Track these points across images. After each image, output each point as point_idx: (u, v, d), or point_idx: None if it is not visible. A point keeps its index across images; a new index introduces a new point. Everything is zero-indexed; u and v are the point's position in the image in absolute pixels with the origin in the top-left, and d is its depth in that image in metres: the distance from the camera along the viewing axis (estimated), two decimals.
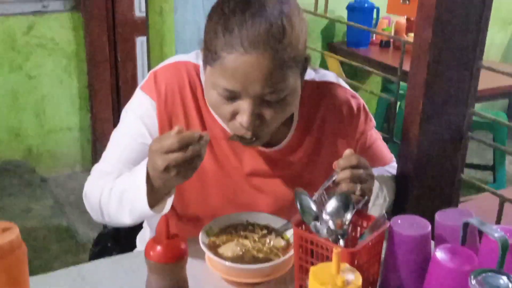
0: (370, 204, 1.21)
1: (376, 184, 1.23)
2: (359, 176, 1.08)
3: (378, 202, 1.25)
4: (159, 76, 1.21)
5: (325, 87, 1.29)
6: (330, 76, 1.32)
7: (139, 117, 1.21)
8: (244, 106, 1.08)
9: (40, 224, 2.71)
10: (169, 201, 1.10)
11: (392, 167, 1.41)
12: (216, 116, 1.22)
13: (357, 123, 1.30)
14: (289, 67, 1.08)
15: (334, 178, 1.09)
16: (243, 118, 1.08)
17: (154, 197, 1.08)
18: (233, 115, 1.11)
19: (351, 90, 1.34)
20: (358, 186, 1.08)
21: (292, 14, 1.08)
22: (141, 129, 1.21)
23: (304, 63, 1.14)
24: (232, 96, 1.08)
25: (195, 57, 1.25)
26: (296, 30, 1.08)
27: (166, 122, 1.20)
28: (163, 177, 1.02)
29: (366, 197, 1.10)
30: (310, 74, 1.28)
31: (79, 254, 2.51)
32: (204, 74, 1.16)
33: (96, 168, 1.27)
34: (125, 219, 1.15)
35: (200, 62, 1.22)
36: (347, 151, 1.11)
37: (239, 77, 1.05)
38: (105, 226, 1.68)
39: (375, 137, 1.37)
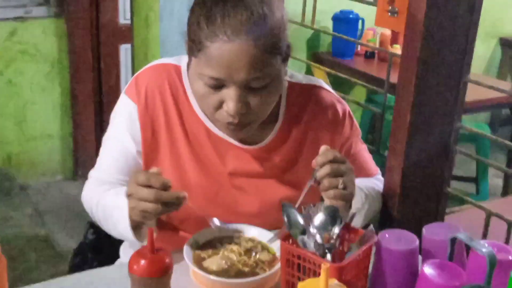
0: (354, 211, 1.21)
1: (360, 194, 1.23)
2: (339, 170, 1.10)
3: (361, 212, 1.24)
4: (140, 79, 1.24)
5: (311, 90, 1.31)
6: (317, 80, 1.35)
7: (123, 122, 1.24)
8: (230, 93, 1.10)
9: (18, 233, 2.67)
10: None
11: (377, 179, 1.41)
12: (199, 114, 1.24)
13: (342, 128, 1.32)
14: (272, 53, 1.11)
15: (315, 177, 1.11)
16: (229, 106, 1.11)
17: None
18: (220, 104, 1.13)
19: (338, 96, 1.35)
20: (340, 180, 1.10)
21: (272, 2, 1.12)
22: (125, 135, 1.24)
23: (286, 50, 1.16)
24: (218, 85, 1.11)
25: (177, 59, 1.28)
26: (277, 18, 1.11)
27: (148, 123, 1.23)
28: (133, 214, 1.08)
29: (354, 211, 1.09)
30: (297, 77, 1.31)
31: (58, 264, 2.46)
32: (188, 69, 1.19)
33: (92, 175, 1.30)
34: (112, 233, 1.20)
35: (182, 64, 1.26)
36: (323, 147, 1.13)
37: (224, 65, 1.08)
38: (85, 237, 1.65)
39: (361, 147, 1.38)
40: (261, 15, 1.09)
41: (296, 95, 1.29)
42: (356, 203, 1.21)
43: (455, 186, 3.21)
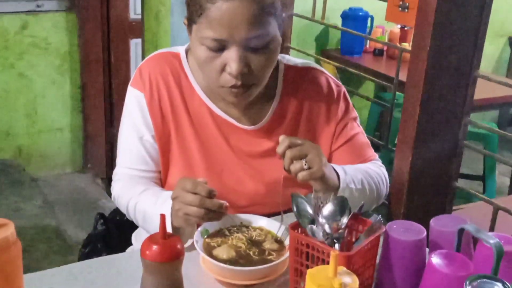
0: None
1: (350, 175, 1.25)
2: (300, 152, 1.13)
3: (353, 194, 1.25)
4: (143, 69, 1.30)
5: (307, 71, 1.35)
6: (313, 63, 1.39)
7: (134, 112, 1.29)
8: (231, 54, 1.14)
9: (29, 224, 2.69)
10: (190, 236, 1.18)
11: (374, 164, 1.39)
12: (201, 96, 1.28)
13: (336, 107, 1.35)
14: (270, 13, 1.15)
15: (284, 167, 1.14)
16: (232, 66, 1.14)
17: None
18: (222, 67, 1.17)
19: (334, 78, 1.38)
20: (303, 161, 1.13)
21: None
22: (139, 124, 1.28)
23: (282, 17, 1.21)
24: (220, 47, 1.15)
25: (174, 48, 1.34)
26: None
27: (156, 109, 1.28)
28: (175, 218, 1.13)
29: (362, 202, 1.11)
30: (294, 61, 1.36)
31: (67, 255, 2.49)
32: (190, 40, 1.22)
33: (118, 172, 1.34)
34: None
35: (180, 51, 1.31)
36: (280, 138, 1.16)
37: (224, 24, 1.12)
38: (95, 227, 1.67)
39: (357, 130, 1.39)
40: None
41: (292, 75, 1.34)
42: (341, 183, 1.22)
43: (462, 184, 3.22)
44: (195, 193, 1.09)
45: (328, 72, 1.38)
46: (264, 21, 1.14)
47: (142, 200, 1.25)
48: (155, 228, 1.15)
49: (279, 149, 1.14)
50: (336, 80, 1.38)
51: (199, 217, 1.10)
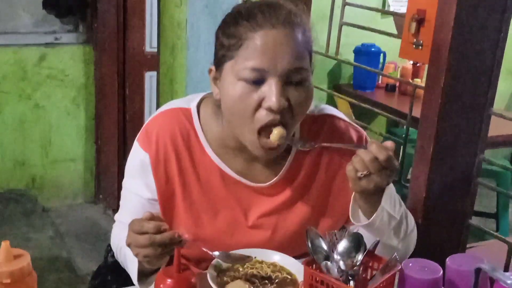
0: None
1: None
2: (374, 168, 1.06)
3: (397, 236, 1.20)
4: (150, 127, 1.24)
5: (324, 120, 1.29)
6: (329, 109, 1.33)
7: (136, 172, 1.25)
8: (272, 87, 1.09)
9: (39, 254, 2.69)
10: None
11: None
12: (211, 156, 1.23)
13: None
14: (307, 48, 1.15)
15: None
16: (272, 99, 1.09)
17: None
18: (259, 103, 1.11)
19: (353, 124, 1.33)
20: (365, 172, 1.06)
21: (302, 10, 1.17)
22: (139, 185, 1.25)
23: (312, 58, 1.19)
24: (259, 78, 1.10)
25: (185, 101, 1.27)
26: (308, 21, 1.17)
27: (161, 171, 1.23)
28: (146, 262, 1.08)
29: (378, 239, 1.10)
30: (310, 108, 1.26)
31: (77, 286, 2.48)
32: (217, 87, 1.18)
33: (117, 218, 1.34)
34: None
35: (191, 106, 1.25)
36: (389, 143, 1.09)
37: (267, 52, 1.09)
38: (105, 259, 1.66)
39: None
40: (298, 12, 1.15)
41: (309, 125, 1.27)
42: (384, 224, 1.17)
43: (475, 222, 3.19)
44: (145, 233, 1.03)
45: (346, 117, 1.33)
46: (304, 55, 1.13)
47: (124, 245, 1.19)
48: (131, 270, 1.17)
49: (382, 156, 1.05)
50: (356, 125, 1.33)
51: (156, 256, 1.03)
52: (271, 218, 1.26)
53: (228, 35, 1.13)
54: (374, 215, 1.14)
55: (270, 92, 1.09)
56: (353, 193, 1.17)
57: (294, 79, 1.11)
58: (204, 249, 1.10)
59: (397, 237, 1.21)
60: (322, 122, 1.29)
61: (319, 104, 1.35)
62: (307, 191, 1.28)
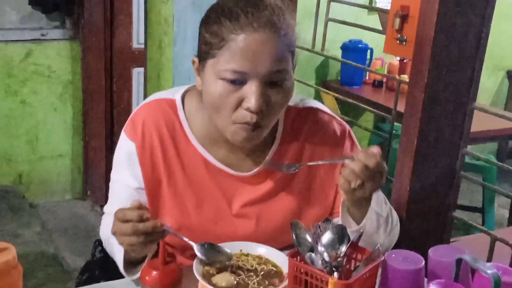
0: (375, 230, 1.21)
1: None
2: (366, 176, 1.08)
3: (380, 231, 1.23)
4: (136, 117, 1.26)
5: (308, 112, 1.31)
6: (314, 102, 1.34)
7: (123, 162, 1.27)
8: (252, 88, 1.11)
9: (27, 250, 2.68)
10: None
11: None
12: (195, 145, 1.25)
13: (341, 147, 1.30)
14: (289, 50, 1.15)
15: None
16: (251, 101, 1.11)
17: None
18: (239, 102, 1.13)
19: (337, 117, 1.34)
20: (359, 182, 1.09)
21: (286, 7, 1.17)
22: (126, 174, 1.27)
23: (295, 56, 1.19)
24: (240, 80, 1.11)
25: (171, 92, 1.29)
26: (291, 20, 1.17)
27: (147, 160, 1.25)
28: (131, 251, 1.09)
29: (361, 231, 1.11)
30: (294, 100, 1.31)
31: (65, 282, 2.48)
32: (199, 78, 1.19)
33: (105, 210, 1.34)
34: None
35: (176, 97, 1.27)
36: (375, 149, 1.11)
37: (249, 56, 1.10)
38: (93, 255, 1.66)
39: None
40: (281, 12, 1.14)
41: (293, 117, 1.30)
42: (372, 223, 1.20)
43: (461, 216, 3.22)
44: (128, 221, 1.05)
45: (330, 111, 1.34)
46: (285, 57, 1.13)
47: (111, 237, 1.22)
48: (118, 260, 1.19)
49: (371, 163, 1.08)
50: (340, 119, 1.34)
51: (141, 244, 1.05)
52: (254, 207, 1.27)
53: (211, 33, 1.13)
54: (365, 219, 1.17)
55: (250, 93, 1.11)
56: (342, 203, 1.21)
57: (274, 80, 1.13)
58: (185, 239, 1.11)
59: (384, 233, 1.23)
60: (306, 115, 1.30)
61: (304, 98, 1.36)
62: (290, 182, 1.29)
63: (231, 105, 1.13)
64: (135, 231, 1.03)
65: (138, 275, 1.14)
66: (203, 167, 1.25)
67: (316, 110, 1.32)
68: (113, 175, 1.32)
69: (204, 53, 1.16)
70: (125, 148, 1.26)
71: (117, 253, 1.17)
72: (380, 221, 1.21)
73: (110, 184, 1.34)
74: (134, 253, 1.11)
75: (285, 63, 1.13)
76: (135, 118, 1.26)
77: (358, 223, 1.20)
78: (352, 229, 1.18)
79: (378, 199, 1.20)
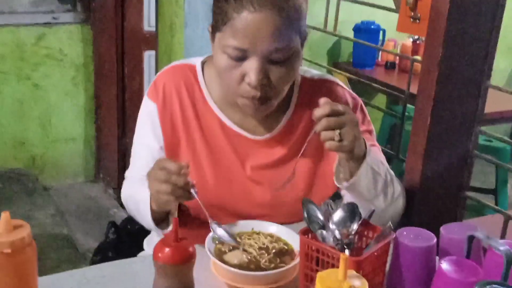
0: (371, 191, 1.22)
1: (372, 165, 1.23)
2: (337, 122, 1.12)
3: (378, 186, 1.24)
4: (158, 81, 1.33)
5: (323, 84, 1.36)
6: (329, 76, 1.39)
7: (145, 122, 1.33)
8: (252, 64, 1.16)
9: (40, 232, 2.71)
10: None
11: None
12: (213, 108, 1.30)
13: None
14: (293, 29, 1.16)
15: (315, 130, 1.13)
16: (251, 77, 1.16)
17: (157, 213, 1.22)
18: (242, 77, 1.18)
19: (351, 91, 1.38)
20: (337, 132, 1.12)
21: None
22: (148, 134, 1.32)
23: (304, 34, 1.22)
24: (241, 56, 1.16)
25: (192, 60, 1.36)
26: (298, 0, 1.17)
27: (167, 119, 1.31)
28: (155, 199, 1.16)
29: (373, 208, 1.11)
30: (311, 73, 1.37)
31: (79, 264, 2.50)
32: (212, 47, 1.24)
33: (127, 175, 1.39)
34: (144, 225, 1.29)
35: (197, 64, 1.34)
36: (322, 100, 1.14)
37: (248, 34, 1.13)
38: (107, 236, 1.68)
39: (373, 143, 1.37)
40: None
41: (308, 87, 1.34)
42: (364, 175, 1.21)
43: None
44: (165, 169, 1.10)
45: (344, 85, 1.38)
46: (287, 35, 1.15)
47: (135, 191, 1.30)
48: (141, 217, 1.26)
49: (317, 113, 1.12)
50: (353, 93, 1.38)
51: (167, 193, 1.10)
52: (267, 172, 1.31)
53: (218, 8, 1.18)
54: (359, 170, 1.18)
55: (250, 69, 1.16)
56: (337, 163, 1.23)
57: (275, 58, 1.16)
58: (204, 210, 1.16)
59: (385, 199, 1.25)
60: (320, 85, 1.35)
61: (322, 73, 1.40)
62: (300, 150, 1.29)
63: (235, 79, 1.19)
64: (167, 179, 1.09)
65: (169, 228, 1.20)
66: (219, 128, 1.30)
67: (330, 82, 1.36)
68: (135, 139, 1.37)
69: (213, 26, 1.21)
70: (147, 110, 1.32)
71: (143, 205, 1.22)
72: (379, 182, 1.22)
73: (132, 149, 1.39)
74: (157, 203, 1.16)
75: (286, 42, 1.16)
76: (157, 81, 1.33)
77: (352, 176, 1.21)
78: (348, 183, 1.20)
79: (373, 157, 1.22)
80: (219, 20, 1.18)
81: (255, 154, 1.31)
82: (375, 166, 1.22)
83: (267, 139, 1.31)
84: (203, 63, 1.34)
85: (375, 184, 1.22)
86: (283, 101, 1.29)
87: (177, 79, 1.32)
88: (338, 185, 1.25)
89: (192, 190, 1.12)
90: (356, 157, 1.17)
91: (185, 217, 1.28)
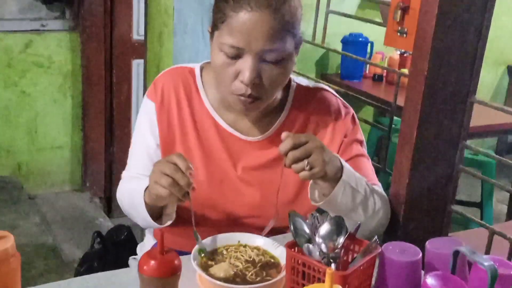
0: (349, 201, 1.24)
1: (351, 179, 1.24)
2: (303, 153, 1.14)
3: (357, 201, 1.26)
4: (158, 81, 1.38)
5: (317, 91, 1.41)
6: (324, 86, 1.45)
7: (144, 121, 1.38)
8: (246, 63, 1.21)
9: (25, 242, 2.68)
10: (169, 218, 1.27)
11: (376, 186, 1.40)
12: (208, 109, 1.35)
13: (343, 126, 1.38)
14: (288, 31, 1.21)
15: (284, 164, 1.15)
16: (245, 74, 1.21)
17: (149, 208, 1.24)
18: (236, 74, 1.23)
19: (344, 101, 1.43)
20: (305, 162, 1.14)
21: None
22: (146, 133, 1.37)
23: (299, 38, 1.27)
24: (236, 54, 1.21)
25: (192, 64, 1.42)
26: (295, 3, 1.23)
27: (164, 117, 1.35)
28: (150, 189, 1.18)
29: (359, 222, 1.12)
30: (305, 82, 1.43)
31: (64, 273, 2.47)
32: (211, 45, 1.28)
33: (124, 174, 1.43)
34: (139, 222, 1.33)
35: (196, 67, 1.39)
36: (283, 135, 1.17)
37: (244, 33, 1.18)
38: (92, 245, 1.67)
39: (362, 152, 1.41)
40: None
41: (303, 94, 1.39)
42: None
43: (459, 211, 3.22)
44: (173, 164, 1.13)
45: (337, 95, 1.43)
46: (281, 37, 1.20)
47: (130, 187, 1.34)
48: (136, 210, 1.28)
49: (282, 148, 1.15)
50: (345, 102, 1.43)
51: (163, 186, 1.13)
52: (257, 173, 1.34)
53: (217, 7, 1.23)
54: (336, 187, 1.19)
55: (244, 67, 1.21)
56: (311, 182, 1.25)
57: (269, 58, 1.21)
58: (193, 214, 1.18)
59: (365, 212, 1.27)
60: (314, 92, 1.41)
61: (316, 82, 1.47)
62: None
63: (230, 76, 1.23)
64: (172, 173, 1.12)
65: (170, 222, 1.26)
66: (214, 128, 1.35)
67: (324, 90, 1.42)
68: (134, 138, 1.41)
69: (213, 25, 1.26)
70: (146, 109, 1.37)
71: (138, 196, 1.25)
72: (356, 196, 1.24)
73: (130, 149, 1.43)
74: (151, 194, 1.19)
75: (280, 43, 1.20)
76: (156, 82, 1.38)
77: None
78: (323, 201, 1.22)
79: (349, 174, 1.23)
80: (217, 19, 1.23)
81: (247, 155, 1.35)
82: (352, 183, 1.23)
83: (259, 140, 1.35)
84: (201, 68, 1.40)
85: (354, 199, 1.24)
86: (277, 104, 1.35)
87: (176, 80, 1.37)
88: (313, 203, 1.26)
89: (189, 192, 1.14)
90: (331, 178, 1.20)
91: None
